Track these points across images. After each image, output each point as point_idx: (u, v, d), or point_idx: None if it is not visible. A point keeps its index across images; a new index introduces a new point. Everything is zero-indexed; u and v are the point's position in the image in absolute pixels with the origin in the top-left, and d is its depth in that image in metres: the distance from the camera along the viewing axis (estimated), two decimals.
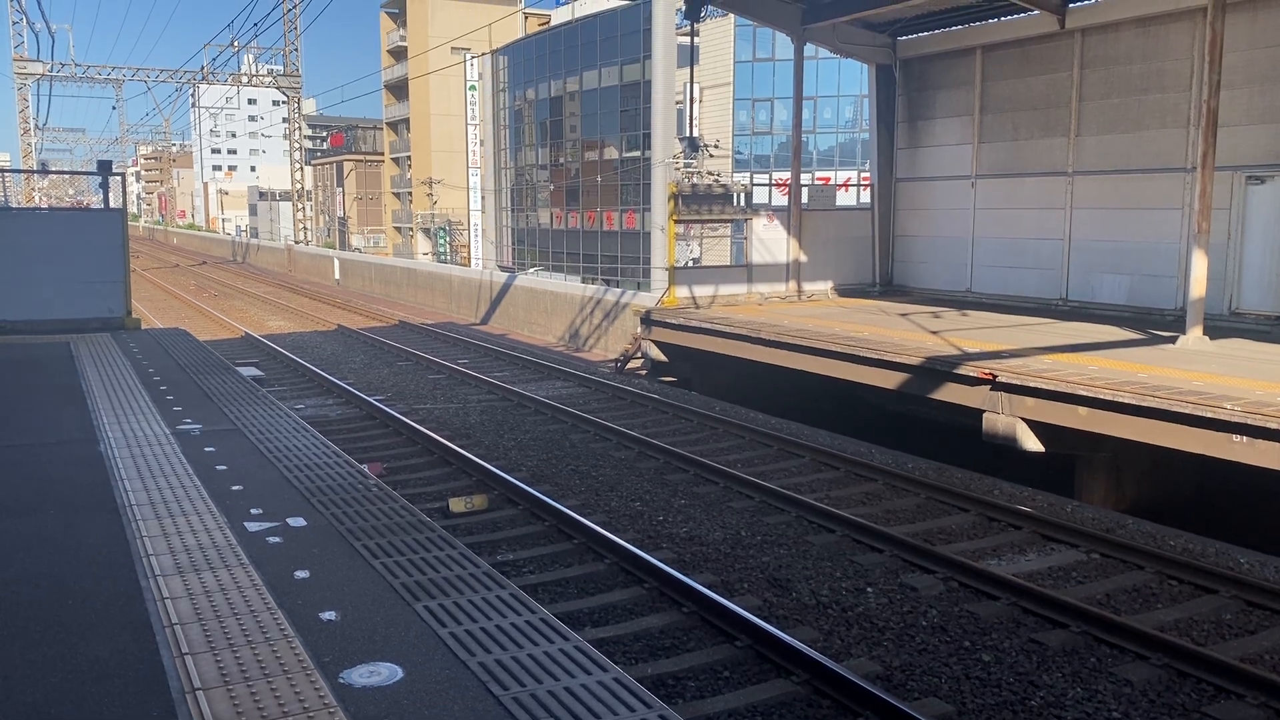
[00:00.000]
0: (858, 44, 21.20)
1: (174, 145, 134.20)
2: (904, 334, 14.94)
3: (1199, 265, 13.52)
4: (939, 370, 12.61)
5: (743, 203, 21.05)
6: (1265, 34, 15.31)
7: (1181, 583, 8.26)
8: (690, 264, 33.84)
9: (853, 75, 40.54)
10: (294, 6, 57.34)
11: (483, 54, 57.68)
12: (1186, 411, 9.78)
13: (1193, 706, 6.23)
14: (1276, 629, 7.42)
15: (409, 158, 74.86)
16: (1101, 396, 10.53)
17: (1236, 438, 9.46)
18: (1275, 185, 15.40)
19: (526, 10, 68.25)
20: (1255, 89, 15.47)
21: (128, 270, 14.90)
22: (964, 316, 17.11)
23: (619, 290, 27.45)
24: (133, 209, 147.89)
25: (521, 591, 4.80)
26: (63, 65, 54.12)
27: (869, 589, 8.11)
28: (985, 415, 11.92)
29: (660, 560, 8.27)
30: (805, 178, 30.06)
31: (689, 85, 23.04)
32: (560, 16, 58.82)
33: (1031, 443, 11.53)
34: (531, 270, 47.76)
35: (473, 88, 58.55)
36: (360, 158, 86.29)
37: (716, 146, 42.44)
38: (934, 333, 15.05)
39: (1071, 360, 12.39)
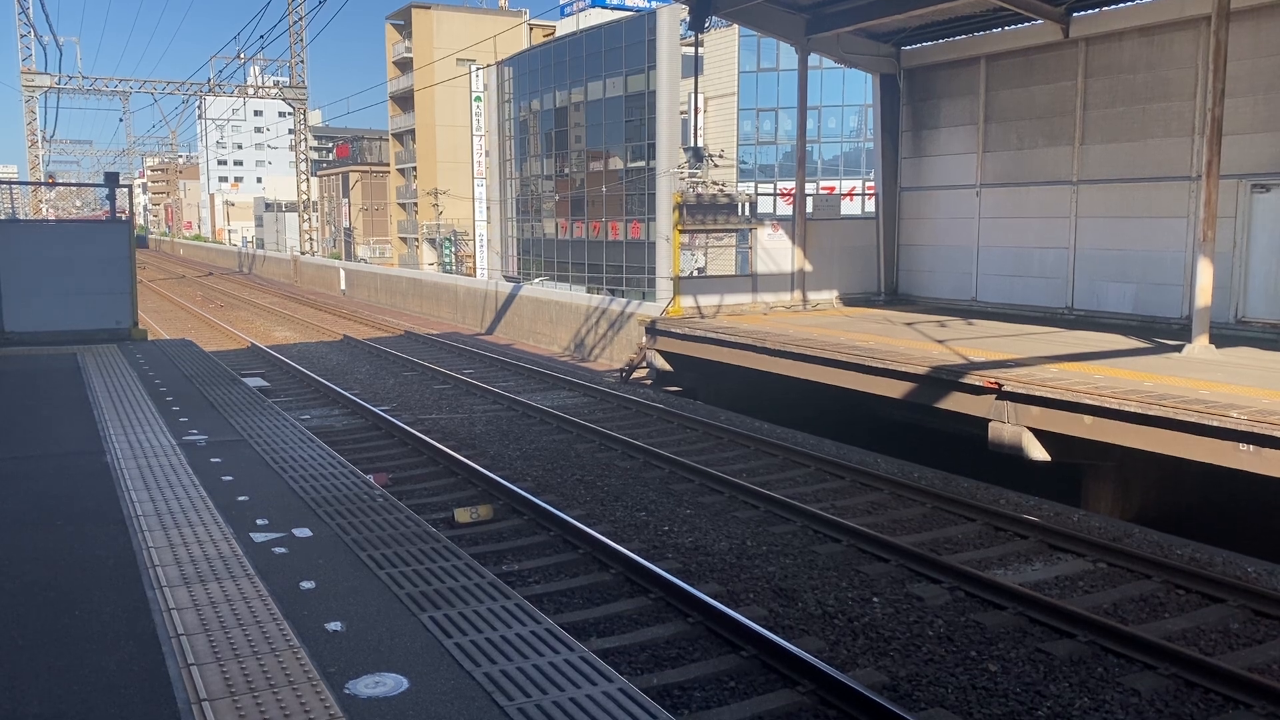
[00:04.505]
0: (862, 54, 21.24)
1: (180, 157, 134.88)
2: (909, 343, 14.93)
3: (1204, 274, 13.50)
4: (944, 379, 12.60)
5: (747, 212, 21.07)
6: (1269, 42, 15.31)
7: (1189, 592, 8.24)
8: (695, 274, 33.85)
9: (857, 85, 40.58)
10: (300, 19, 57.67)
11: (488, 65, 57.86)
12: (1193, 420, 9.76)
13: (1200, 716, 6.21)
14: None
15: (414, 168, 75.06)
16: (1108, 405, 10.51)
17: (1243, 446, 9.44)
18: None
19: (532, 22, 68.51)
20: (1259, 97, 15.47)
21: (134, 281, 14.94)
22: (969, 325, 17.10)
23: (624, 300, 27.47)
24: (139, 220, 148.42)
25: (527, 602, 4.80)
26: (70, 78, 54.47)
27: (875, 599, 8.09)
28: (991, 424, 11.90)
29: (665, 570, 8.26)
30: (810, 187, 30.08)
31: (693, 95, 23.05)
32: (565, 27, 59.05)
33: (1038, 452, 11.50)
34: (537, 280, 47.82)
35: (478, 99, 58.73)
36: (366, 169, 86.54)
37: (721, 156, 42.57)
38: (939, 342, 15.04)
39: (1077, 369, 12.38)
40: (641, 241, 45.17)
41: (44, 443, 8.02)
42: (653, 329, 18.77)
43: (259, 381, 16.90)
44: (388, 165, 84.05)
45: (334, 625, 4.45)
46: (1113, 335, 15.67)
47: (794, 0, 19.69)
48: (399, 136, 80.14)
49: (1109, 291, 17.89)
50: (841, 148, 47.98)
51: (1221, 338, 14.35)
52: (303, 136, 63.39)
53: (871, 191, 23.18)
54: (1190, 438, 9.87)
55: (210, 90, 57.59)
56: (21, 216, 64.88)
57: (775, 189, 43.04)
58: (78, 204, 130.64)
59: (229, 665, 4.03)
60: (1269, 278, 15.57)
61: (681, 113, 43.01)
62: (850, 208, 29.50)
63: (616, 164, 47.31)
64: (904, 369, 13.17)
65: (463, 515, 10.01)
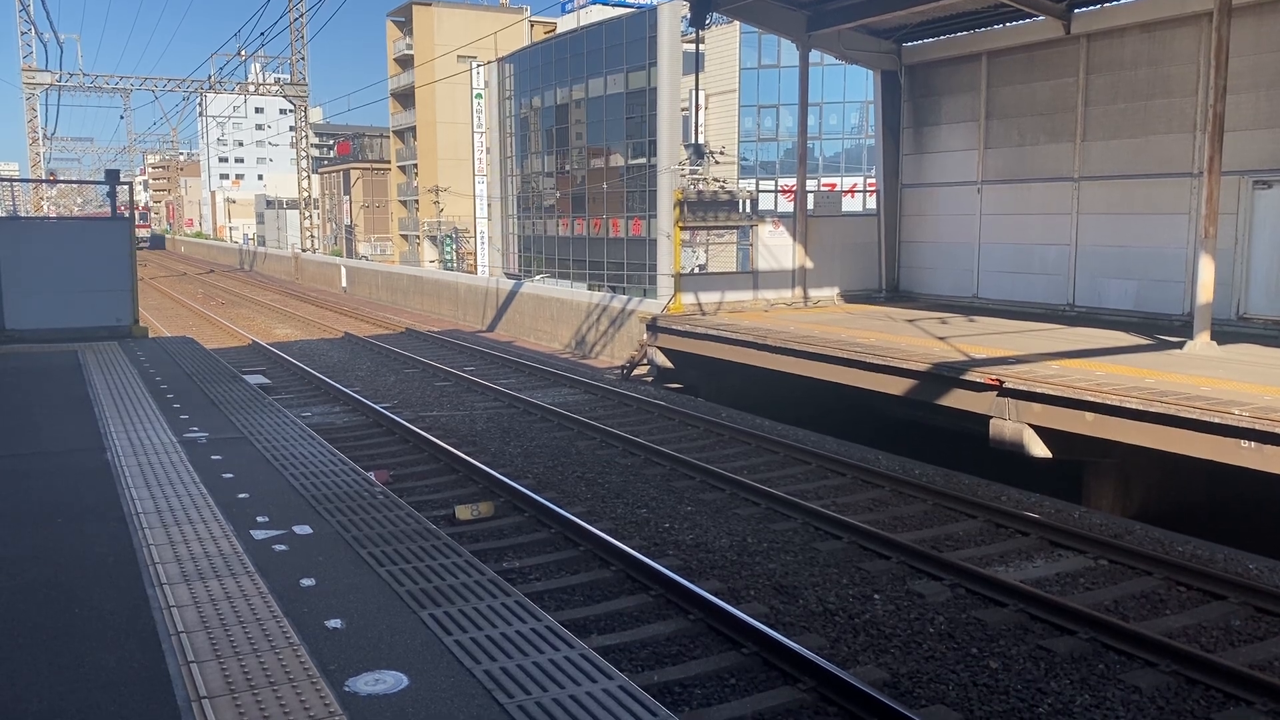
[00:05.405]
0: (863, 50, 21.22)
1: (181, 154, 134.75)
2: (910, 340, 14.92)
3: (1206, 270, 13.48)
4: (946, 376, 12.59)
5: (748, 209, 21.06)
6: (1271, 38, 15.28)
7: (1190, 589, 8.23)
8: (696, 271, 33.83)
9: (858, 81, 40.51)
10: (300, 16, 57.64)
11: (489, 62, 57.84)
12: (1194, 417, 9.75)
13: (1201, 713, 6.20)
14: None
15: (415, 165, 75.04)
16: (1109, 402, 10.50)
17: (1245, 443, 9.43)
18: None
19: (532, 18, 68.44)
20: (1261, 93, 15.44)
21: (135, 279, 14.93)
22: (970, 322, 17.08)
23: (625, 297, 27.46)
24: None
25: (527, 599, 4.79)
26: (71, 75, 54.44)
27: (876, 596, 8.09)
28: (992, 421, 11.89)
29: (666, 567, 8.26)
30: (811, 184, 30.08)
31: (694, 92, 23.10)
32: (566, 24, 58.98)
33: (1039, 449, 11.49)
34: (538, 277, 47.81)
35: (479, 95, 58.71)
36: (367, 166, 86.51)
37: (722, 153, 42.53)
38: (940, 339, 15.03)
39: (1079, 366, 12.37)
40: (642, 238, 45.18)
41: (44, 440, 8.02)
42: (654, 326, 18.77)
43: (260, 379, 16.92)
44: (389, 162, 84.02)
45: (334, 622, 4.45)
46: (1114, 332, 15.65)
47: None
48: (400, 134, 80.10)
49: (1110, 288, 17.88)
50: (843, 144, 47.95)
51: (1223, 334, 14.33)
52: (304, 134, 63.38)
53: (873, 188, 23.15)
54: (1192, 434, 9.85)
55: (211, 87, 57.58)
56: (22, 214, 64.93)
57: (776, 186, 43.02)
58: (79, 201, 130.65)
59: (229, 663, 4.03)
60: (1270, 274, 15.55)
61: (683, 109, 43.00)
62: (851, 204, 29.47)
63: (617, 161, 47.30)
64: (905, 366, 13.16)
65: (463, 512, 10.01)
